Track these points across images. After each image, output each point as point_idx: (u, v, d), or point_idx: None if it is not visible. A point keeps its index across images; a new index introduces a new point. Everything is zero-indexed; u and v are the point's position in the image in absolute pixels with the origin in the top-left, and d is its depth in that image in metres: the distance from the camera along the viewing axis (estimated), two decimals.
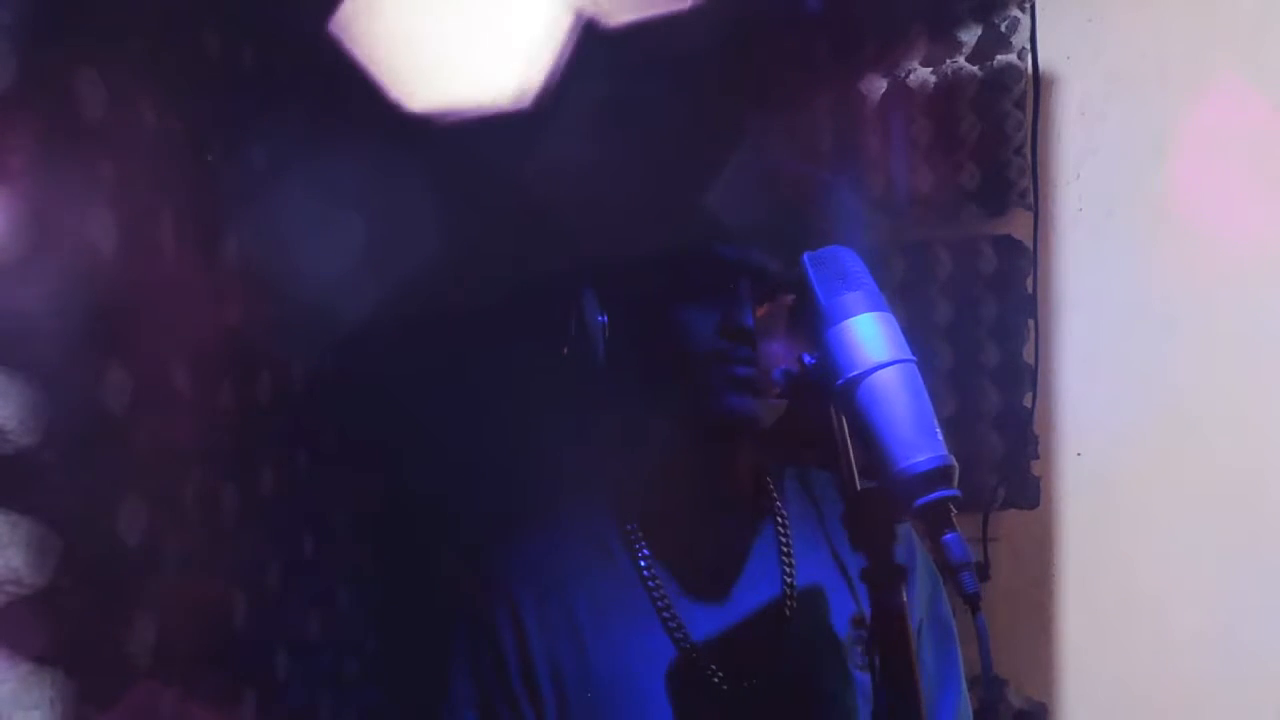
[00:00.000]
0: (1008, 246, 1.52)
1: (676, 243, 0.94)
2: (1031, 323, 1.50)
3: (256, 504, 1.09)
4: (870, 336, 0.77)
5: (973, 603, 0.72)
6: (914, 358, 0.77)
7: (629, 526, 0.99)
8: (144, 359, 0.88)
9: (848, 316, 0.77)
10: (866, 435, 0.76)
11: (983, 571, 1.51)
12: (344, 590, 1.31)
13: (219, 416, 1.03)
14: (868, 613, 0.83)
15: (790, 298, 0.90)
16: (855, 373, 0.76)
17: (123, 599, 0.85)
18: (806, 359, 0.81)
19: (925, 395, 0.76)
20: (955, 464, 0.73)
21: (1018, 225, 1.52)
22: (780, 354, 0.90)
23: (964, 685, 1.06)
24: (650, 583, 0.97)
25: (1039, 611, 1.54)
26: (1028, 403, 1.51)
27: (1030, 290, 1.50)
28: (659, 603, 0.96)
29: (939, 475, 0.72)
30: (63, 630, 0.75)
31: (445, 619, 1.00)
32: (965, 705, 1.05)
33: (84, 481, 0.79)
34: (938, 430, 0.75)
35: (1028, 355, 1.51)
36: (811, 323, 0.80)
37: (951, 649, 1.05)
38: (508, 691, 0.94)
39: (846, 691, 0.97)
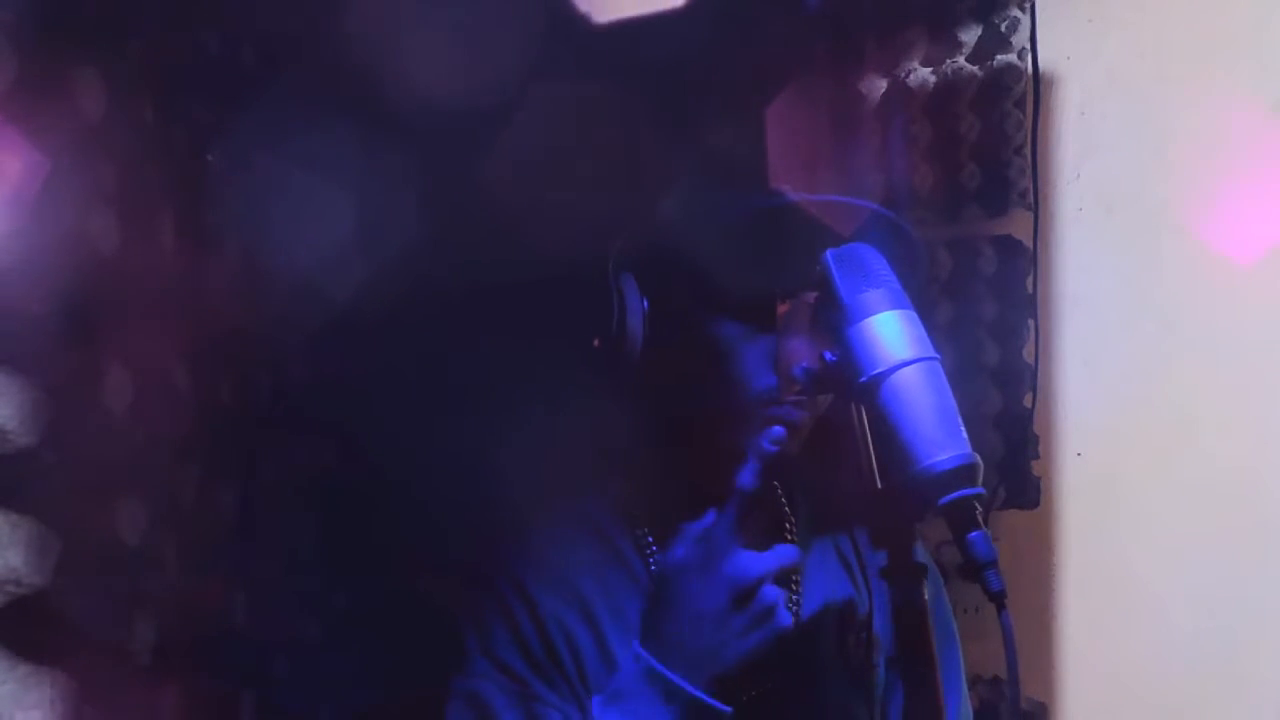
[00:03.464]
0: (1008, 246, 1.52)
1: (742, 260, 0.90)
2: (1031, 323, 1.50)
3: (256, 504, 1.09)
4: (893, 334, 0.76)
5: (998, 600, 0.71)
6: (938, 355, 0.76)
7: (640, 530, 0.99)
8: (144, 359, 0.88)
9: (870, 314, 0.77)
10: (889, 433, 0.74)
11: None
12: (344, 590, 1.31)
13: (219, 416, 1.03)
14: (876, 615, 0.83)
15: (812, 295, 0.89)
16: (878, 370, 0.75)
17: (123, 599, 0.85)
18: (828, 356, 0.80)
19: (949, 393, 0.75)
20: (980, 462, 0.73)
21: (1018, 225, 1.52)
22: (801, 351, 0.88)
23: (965, 686, 1.06)
24: None
25: (1039, 611, 1.54)
26: (1028, 403, 1.51)
27: (1030, 290, 1.50)
28: None
29: (963, 473, 0.72)
30: (63, 630, 0.75)
31: (447, 615, 0.99)
32: (966, 706, 1.05)
33: (84, 481, 0.79)
34: (961, 428, 0.74)
35: (1028, 355, 1.51)
36: (833, 320, 0.79)
37: (952, 650, 1.05)
38: (530, 658, 0.92)
39: (851, 698, 0.97)
